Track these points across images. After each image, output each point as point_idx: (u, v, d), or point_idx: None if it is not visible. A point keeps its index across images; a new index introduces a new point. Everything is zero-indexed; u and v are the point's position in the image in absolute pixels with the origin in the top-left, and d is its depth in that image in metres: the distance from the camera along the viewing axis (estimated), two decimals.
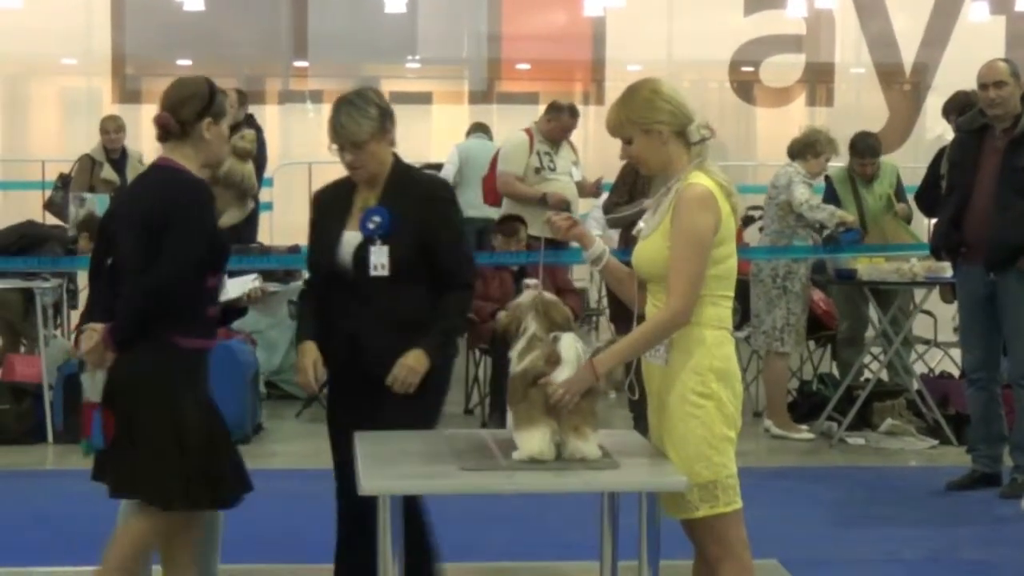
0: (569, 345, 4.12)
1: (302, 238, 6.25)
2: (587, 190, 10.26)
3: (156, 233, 4.57)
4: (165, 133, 4.70)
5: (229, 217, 5.20)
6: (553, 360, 4.08)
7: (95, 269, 4.88)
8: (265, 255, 10.15)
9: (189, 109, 4.68)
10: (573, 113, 10.20)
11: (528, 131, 10.11)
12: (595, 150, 10.49)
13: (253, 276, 5.39)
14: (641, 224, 4.34)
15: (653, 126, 4.19)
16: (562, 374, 4.06)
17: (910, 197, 9.90)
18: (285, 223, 13.03)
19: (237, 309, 5.24)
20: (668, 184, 4.24)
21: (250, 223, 11.09)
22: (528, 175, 9.96)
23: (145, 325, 4.58)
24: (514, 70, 18.14)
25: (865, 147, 9.59)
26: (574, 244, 5.60)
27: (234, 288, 5.18)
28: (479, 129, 12.86)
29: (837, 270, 9.14)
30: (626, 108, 4.24)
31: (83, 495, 5.17)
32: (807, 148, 9.07)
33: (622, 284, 4.43)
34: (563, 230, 4.40)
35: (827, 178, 9.65)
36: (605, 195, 9.52)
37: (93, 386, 4.68)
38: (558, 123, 10.07)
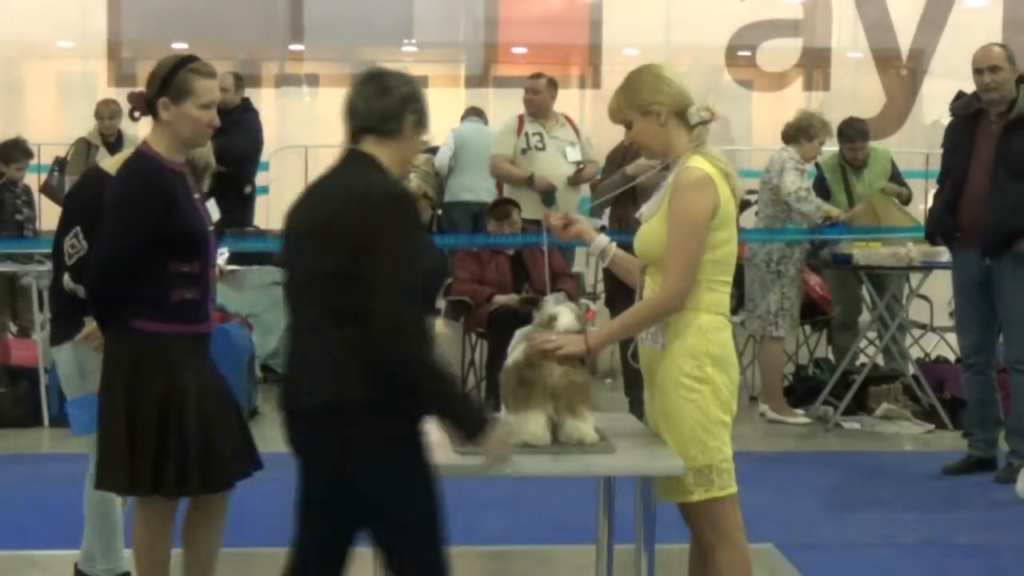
0: (560, 301, 4.16)
1: None
2: (577, 178, 9.94)
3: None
4: (132, 111, 4.64)
5: None
6: (551, 319, 4.10)
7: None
8: (262, 238, 10.18)
9: (151, 89, 4.55)
10: (536, 79, 10.05)
11: (521, 116, 10.10)
12: (591, 134, 10.47)
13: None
14: (643, 209, 4.33)
15: (651, 107, 4.17)
16: (562, 322, 4.08)
17: (909, 181, 9.91)
18: (282, 207, 12.99)
19: None
20: (667, 164, 4.23)
21: (247, 207, 11.11)
22: (516, 156, 9.94)
23: (105, 306, 4.53)
24: (511, 54, 18.11)
25: (855, 132, 9.57)
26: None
27: None
28: (474, 113, 12.82)
29: (834, 254, 9.13)
30: (625, 92, 4.23)
31: (78, 478, 5.18)
32: (801, 132, 9.05)
33: (631, 275, 4.39)
34: (559, 231, 4.40)
35: (817, 166, 9.63)
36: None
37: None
38: (528, 93, 10.02)
